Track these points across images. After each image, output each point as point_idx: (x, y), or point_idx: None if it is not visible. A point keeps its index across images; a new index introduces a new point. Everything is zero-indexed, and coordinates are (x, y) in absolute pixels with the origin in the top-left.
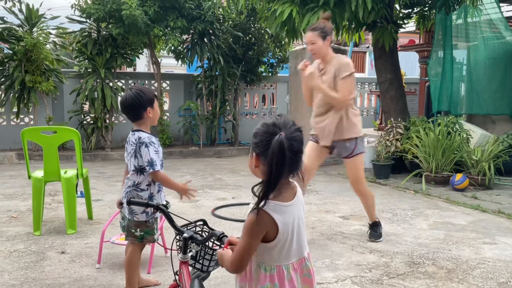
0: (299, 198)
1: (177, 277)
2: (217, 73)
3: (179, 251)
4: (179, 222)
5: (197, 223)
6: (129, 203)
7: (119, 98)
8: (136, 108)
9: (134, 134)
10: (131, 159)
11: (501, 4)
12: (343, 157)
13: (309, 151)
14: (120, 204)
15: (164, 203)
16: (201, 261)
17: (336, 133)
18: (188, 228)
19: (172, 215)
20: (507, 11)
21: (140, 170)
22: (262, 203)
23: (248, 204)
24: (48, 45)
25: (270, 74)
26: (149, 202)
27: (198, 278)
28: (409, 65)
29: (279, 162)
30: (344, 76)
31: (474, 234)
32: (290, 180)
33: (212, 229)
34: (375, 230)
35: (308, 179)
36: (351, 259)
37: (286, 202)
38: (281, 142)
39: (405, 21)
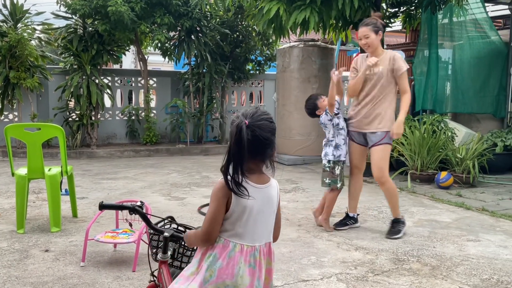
0: (269, 192)
1: (155, 278)
2: (204, 70)
3: (154, 251)
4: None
5: (165, 221)
6: (102, 207)
7: (105, 95)
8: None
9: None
10: None
11: (486, 4)
12: (369, 147)
13: (353, 152)
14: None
15: (139, 203)
16: (180, 259)
17: (375, 123)
18: (159, 226)
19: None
20: (492, 11)
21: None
22: (227, 176)
23: None
24: (33, 41)
25: (257, 72)
26: (123, 204)
27: None
28: None
29: (237, 143)
30: (402, 73)
31: (458, 232)
32: (265, 173)
33: (182, 224)
34: (394, 226)
35: (359, 180)
36: (337, 256)
37: (252, 182)
38: (239, 127)
39: (392, 20)
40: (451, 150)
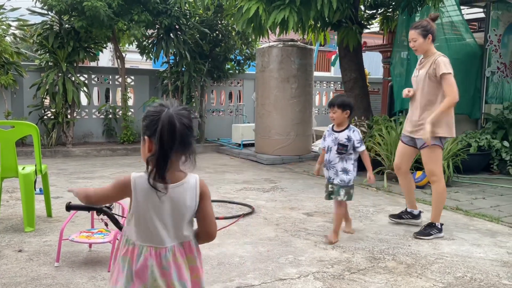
0: (178, 191)
1: None
2: (183, 69)
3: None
4: None
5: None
6: (69, 208)
7: (82, 93)
8: None
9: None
10: None
11: (461, 7)
12: (420, 148)
13: (401, 153)
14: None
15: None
16: None
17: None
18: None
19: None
20: (467, 14)
21: None
22: (152, 175)
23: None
24: (7, 38)
25: (237, 71)
26: (91, 205)
27: None
28: (373, 65)
29: (169, 134)
30: (442, 76)
31: None
32: (187, 172)
33: None
34: (426, 228)
35: (406, 179)
36: (314, 255)
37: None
38: (170, 115)
39: (370, 22)
40: None
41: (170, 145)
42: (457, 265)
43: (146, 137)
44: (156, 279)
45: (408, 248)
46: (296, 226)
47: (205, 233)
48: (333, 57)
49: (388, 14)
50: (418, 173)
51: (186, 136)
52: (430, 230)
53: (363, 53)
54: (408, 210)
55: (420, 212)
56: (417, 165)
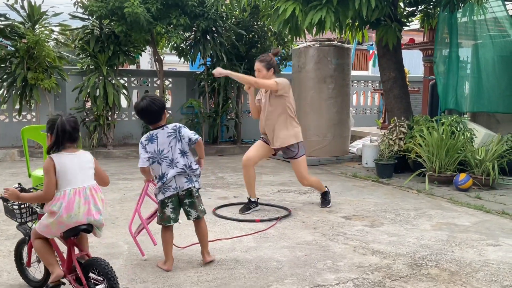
0: (78, 156)
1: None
2: None
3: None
4: None
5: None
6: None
7: (121, 96)
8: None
9: (164, 128)
10: (176, 145)
11: (506, 2)
12: (288, 158)
13: (257, 146)
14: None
15: (17, 186)
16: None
17: (281, 140)
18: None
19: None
20: None
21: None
22: (51, 153)
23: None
24: (50, 42)
25: None
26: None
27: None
28: (413, 63)
29: (61, 130)
30: (275, 81)
31: (477, 236)
32: (77, 149)
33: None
34: (325, 198)
35: (252, 165)
36: (353, 260)
37: (68, 153)
38: (62, 120)
39: (409, 19)
40: (470, 151)
41: (63, 136)
42: (504, 272)
43: (49, 134)
44: (80, 207)
45: (451, 255)
46: (334, 230)
47: (102, 183)
48: (372, 58)
49: (428, 11)
50: (462, 176)
51: (74, 132)
52: (327, 197)
53: (402, 51)
54: (252, 200)
55: (257, 199)
56: (461, 167)
